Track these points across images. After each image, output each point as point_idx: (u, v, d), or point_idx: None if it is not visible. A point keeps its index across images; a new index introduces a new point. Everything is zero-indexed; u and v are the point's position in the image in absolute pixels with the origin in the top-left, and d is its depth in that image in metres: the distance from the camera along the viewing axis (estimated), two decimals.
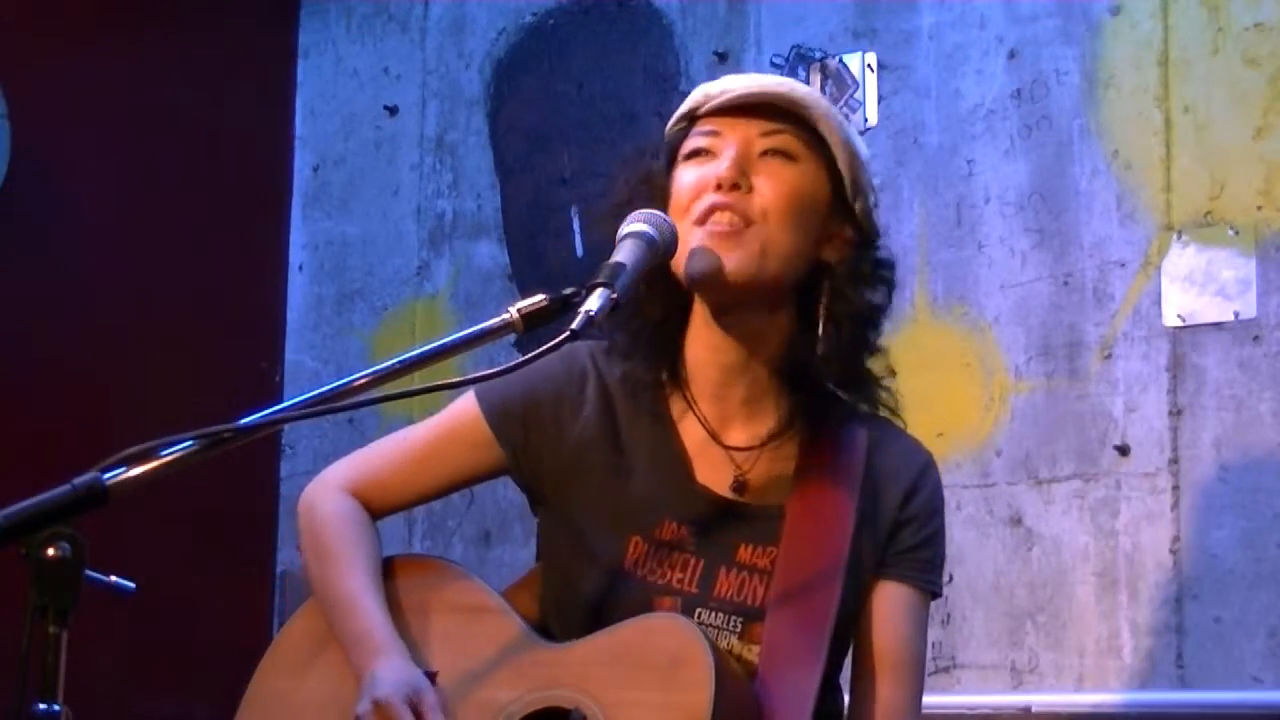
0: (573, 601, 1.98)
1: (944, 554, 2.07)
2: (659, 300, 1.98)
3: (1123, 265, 3.09)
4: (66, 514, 1.37)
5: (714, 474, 2.00)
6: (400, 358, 1.61)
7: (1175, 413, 3.00)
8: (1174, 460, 2.99)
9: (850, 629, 2.02)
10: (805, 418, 2.01)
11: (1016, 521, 3.12)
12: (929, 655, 3.13)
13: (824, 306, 1.97)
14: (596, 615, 1.94)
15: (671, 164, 2.01)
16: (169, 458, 1.45)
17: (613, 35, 3.75)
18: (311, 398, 1.56)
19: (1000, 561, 3.13)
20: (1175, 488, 2.98)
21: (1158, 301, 3.04)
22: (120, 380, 3.66)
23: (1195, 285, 3.01)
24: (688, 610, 1.93)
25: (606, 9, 3.77)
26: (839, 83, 3.43)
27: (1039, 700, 3.03)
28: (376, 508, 2.09)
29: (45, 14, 3.65)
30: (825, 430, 2.02)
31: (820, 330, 1.96)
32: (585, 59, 3.76)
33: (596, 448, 2.02)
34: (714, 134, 1.98)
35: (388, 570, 2.06)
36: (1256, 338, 2.95)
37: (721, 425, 2.01)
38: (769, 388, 2.01)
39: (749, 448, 2.01)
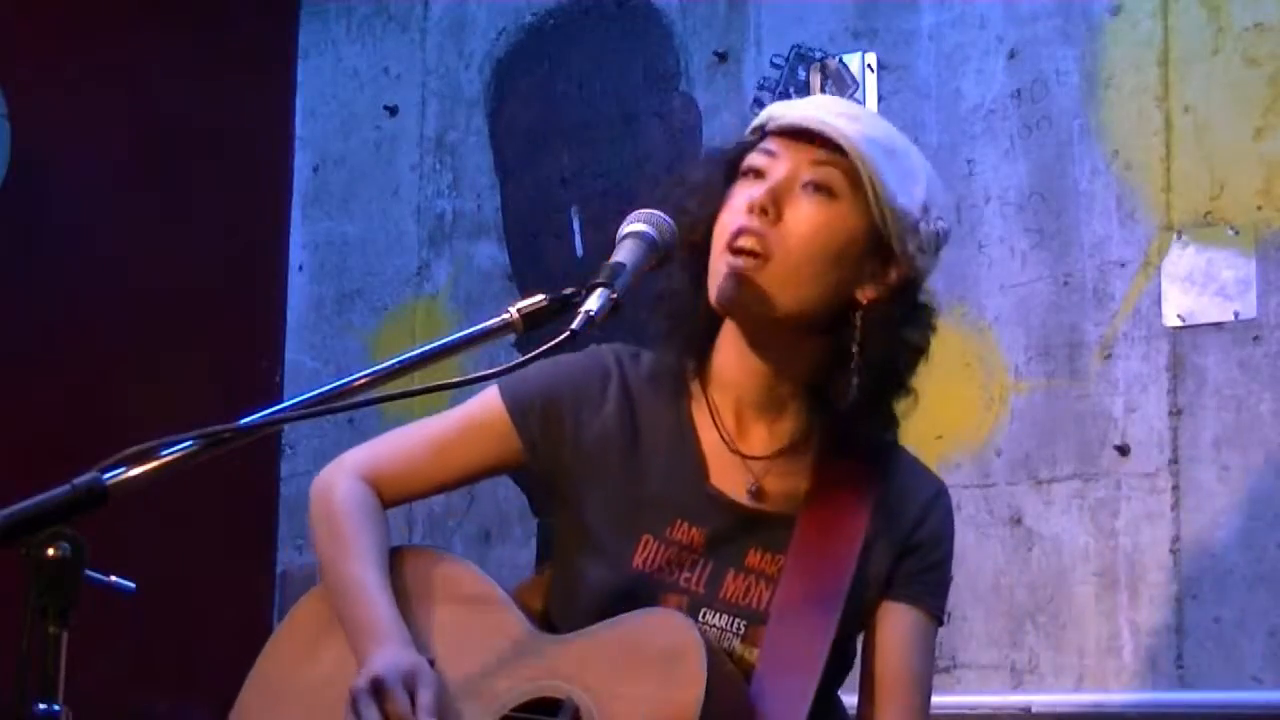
0: (581, 598, 1.98)
1: (949, 581, 2.07)
2: (701, 296, 1.97)
3: (1123, 265, 3.09)
4: (66, 514, 1.37)
5: (729, 479, 2.01)
6: (400, 358, 1.62)
7: (1175, 413, 3.00)
8: (1174, 460, 2.99)
9: (849, 645, 2.03)
10: (824, 436, 2.01)
11: (1016, 521, 3.12)
12: None
13: (855, 345, 1.95)
14: (603, 613, 1.94)
15: (733, 177, 2.00)
16: (169, 458, 1.45)
17: (613, 35, 3.75)
18: (311, 398, 1.56)
19: (1000, 561, 3.13)
20: (1175, 488, 2.98)
21: (1158, 301, 3.04)
22: (120, 380, 3.66)
23: (1195, 285, 3.01)
24: (693, 610, 1.94)
25: (606, 9, 3.77)
26: (839, 83, 3.43)
27: (1039, 700, 3.03)
28: (391, 495, 2.11)
29: (45, 14, 3.65)
30: (843, 450, 2.02)
31: (851, 367, 1.94)
32: (585, 59, 3.76)
33: (614, 447, 2.02)
34: (770, 154, 1.97)
35: (395, 559, 2.07)
36: (1256, 338, 2.95)
37: (740, 432, 2.02)
38: (791, 404, 2.01)
39: (764, 456, 2.01)
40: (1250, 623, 2.89)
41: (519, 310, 1.68)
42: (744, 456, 2.01)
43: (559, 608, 2.03)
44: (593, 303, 1.68)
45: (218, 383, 3.80)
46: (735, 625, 1.95)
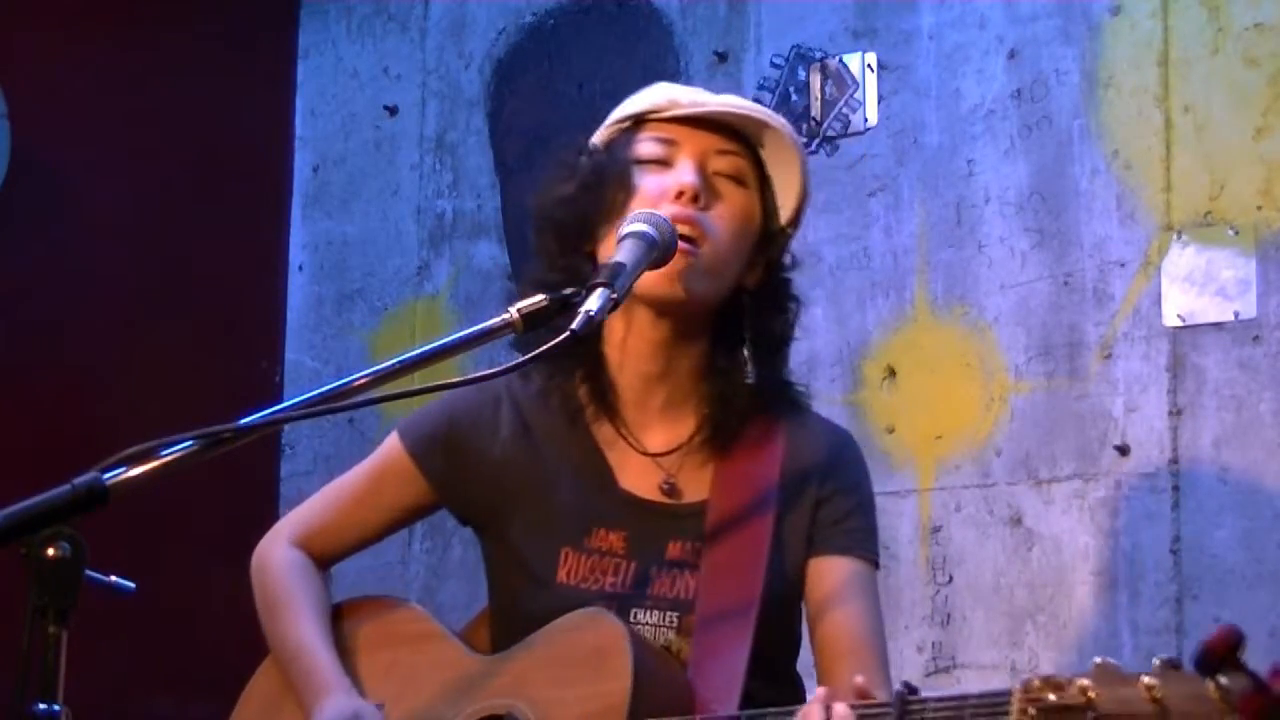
0: (516, 620, 2.02)
1: (875, 525, 2.09)
2: None
3: (1123, 265, 3.08)
4: (66, 514, 1.37)
5: (638, 479, 2.04)
6: (400, 358, 1.62)
7: (1175, 413, 3.00)
8: (1174, 460, 2.99)
9: (788, 616, 2.05)
10: (723, 417, 2.04)
11: (1016, 521, 3.12)
12: (929, 655, 3.13)
13: (748, 330, 2.03)
14: (538, 629, 1.97)
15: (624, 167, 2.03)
16: (169, 458, 1.46)
17: (613, 35, 3.75)
18: (311, 398, 1.57)
19: (1000, 561, 3.13)
20: (1175, 488, 2.98)
21: (1158, 301, 3.04)
22: (120, 380, 3.66)
23: (1195, 285, 3.01)
24: (624, 610, 1.96)
25: (606, 9, 3.77)
26: (839, 83, 3.43)
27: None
28: (323, 556, 2.17)
29: (45, 14, 3.65)
30: (743, 424, 2.06)
31: (743, 348, 2.03)
32: (585, 59, 3.76)
33: (517, 468, 2.06)
34: (670, 142, 2.01)
35: (339, 613, 2.13)
36: (1256, 338, 2.95)
37: (641, 431, 2.05)
38: (688, 393, 2.05)
39: (669, 451, 2.04)
40: (1250, 623, 2.88)
41: (519, 310, 1.68)
42: (651, 455, 2.04)
43: (501, 634, 2.06)
44: (593, 303, 1.69)
45: (218, 383, 3.79)
46: (668, 619, 1.97)
